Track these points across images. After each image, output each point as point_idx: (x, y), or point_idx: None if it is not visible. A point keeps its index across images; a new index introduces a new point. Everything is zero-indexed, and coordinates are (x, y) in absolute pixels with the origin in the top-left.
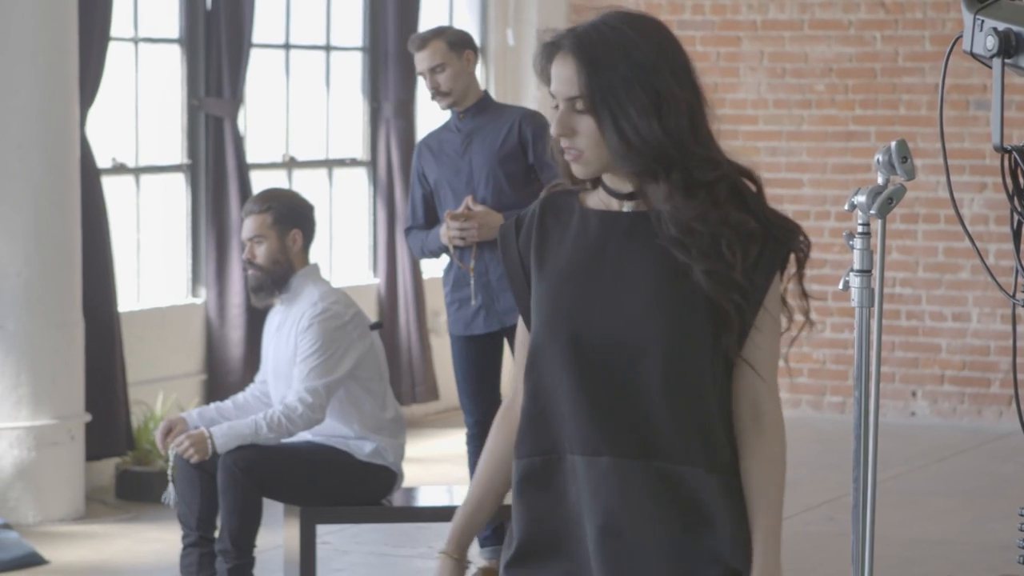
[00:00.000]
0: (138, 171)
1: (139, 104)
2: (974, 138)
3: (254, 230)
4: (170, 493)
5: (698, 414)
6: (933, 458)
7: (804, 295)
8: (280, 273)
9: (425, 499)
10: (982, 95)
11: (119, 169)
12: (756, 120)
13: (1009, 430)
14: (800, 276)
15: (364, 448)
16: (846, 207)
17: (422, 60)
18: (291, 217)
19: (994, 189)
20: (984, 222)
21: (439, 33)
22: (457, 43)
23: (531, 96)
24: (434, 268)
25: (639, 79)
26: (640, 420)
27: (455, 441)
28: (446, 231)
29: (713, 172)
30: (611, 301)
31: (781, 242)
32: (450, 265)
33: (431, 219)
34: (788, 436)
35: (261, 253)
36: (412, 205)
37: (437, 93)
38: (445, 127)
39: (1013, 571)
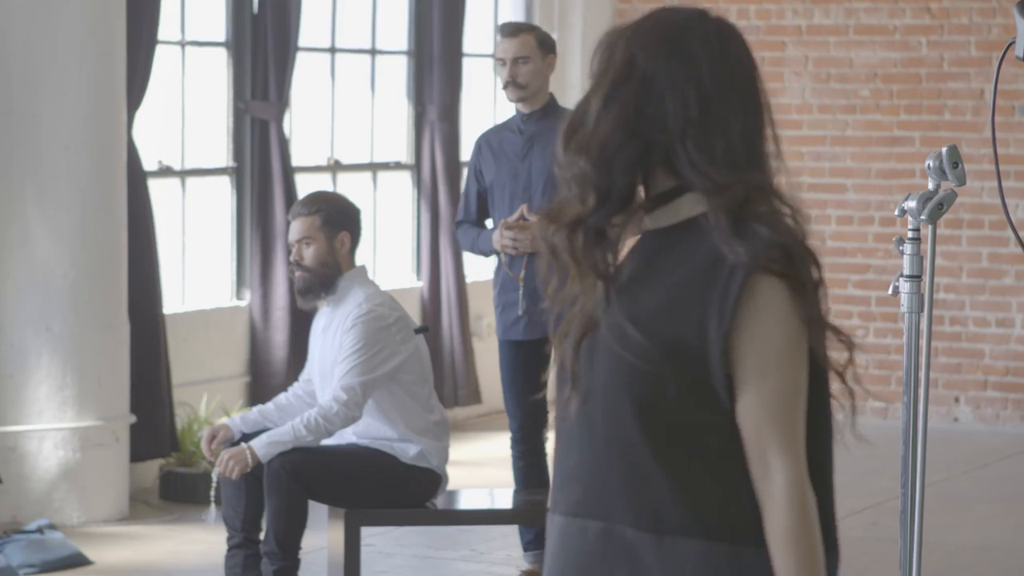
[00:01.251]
0: (184, 174)
1: (185, 107)
2: (1020, 144)
3: (302, 232)
4: (211, 512)
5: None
6: (976, 464)
7: (829, 328)
8: (328, 275)
9: (467, 502)
10: None
11: (165, 172)
12: (800, 125)
13: None
14: (813, 303)
15: (409, 451)
16: (896, 212)
17: (509, 48)
18: (339, 220)
19: None
20: None
21: (532, 28)
22: (546, 43)
23: (578, 96)
24: (477, 272)
25: None
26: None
27: (497, 444)
28: (499, 237)
29: None
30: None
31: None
32: (499, 268)
33: (483, 215)
34: None
35: (309, 255)
36: (466, 199)
37: (512, 83)
38: (507, 126)
39: None
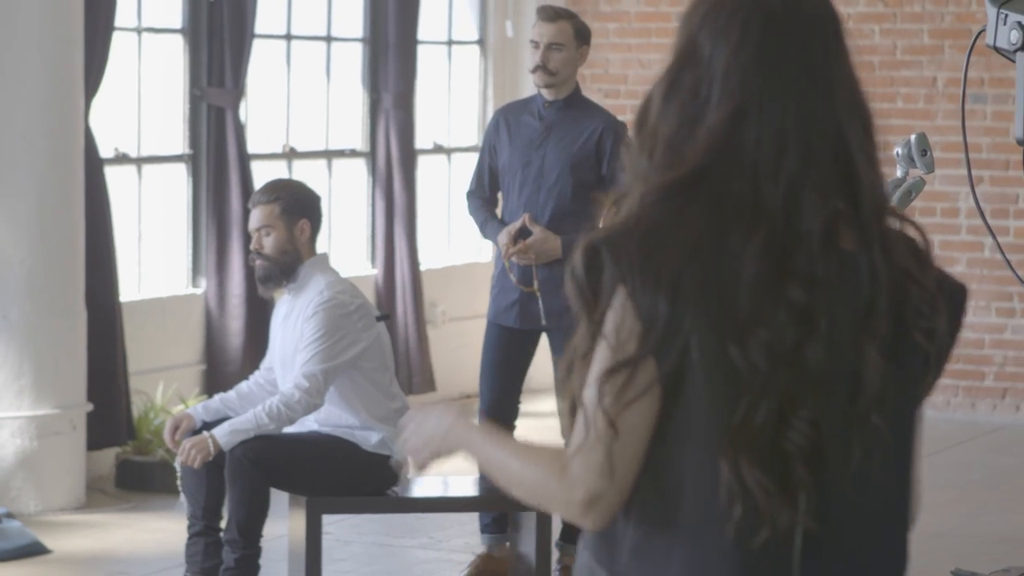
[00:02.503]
0: (140, 161)
1: (141, 94)
2: (972, 132)
3: (262, 220)
4: (183, 503)
5: None
6: (928, 451)
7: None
8: (288, 263)
9: (429, 490)
10: (979, 89)
11: (121, 159)
12: None
13: (1003, 423)
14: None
15: (370, 439)
16: None
17: (546, 32)
18: (299, 207)
19: (990, 183)
20: (976, 216)
21: (571, 16)
22: (582, 34)
23: (529, 88)
24: (432, 259)
25: None
26: None
27: None
28: (503, 242)
29: None
30: None
31: None
32: (499, 254)
33: (495, 189)
34: None
35: (269, 243)
36: (478, 172)
37: (543, 68)
38: (527, 108)
39: (1016, 563)
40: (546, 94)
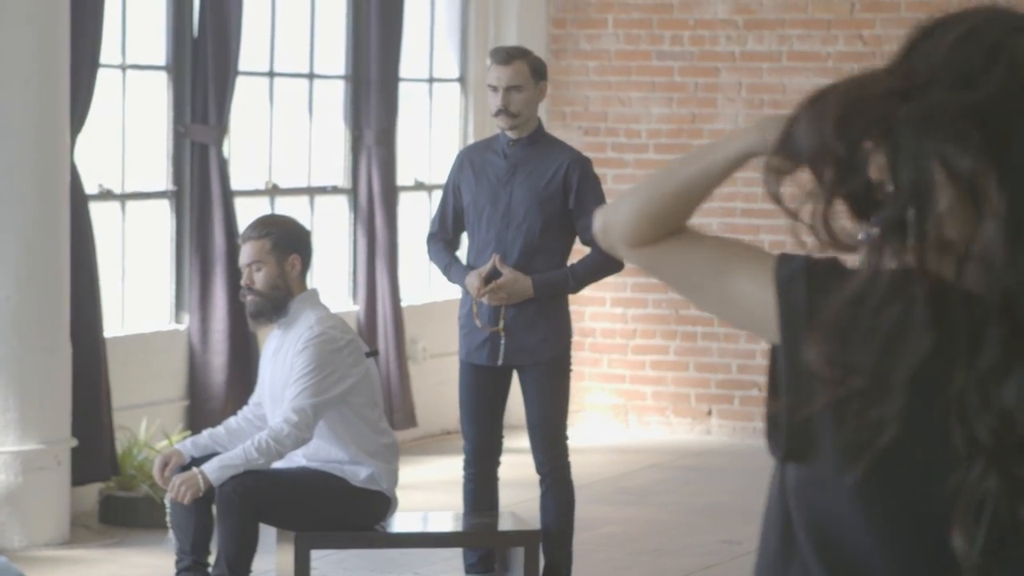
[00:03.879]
0: (124, 197)
1: (126, 130)
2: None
3: (253, 255)
4: (172, 539)
5: None
6: None
7: None
8: (279, 298)
9: (416, 525)
10: None
11: (105, 195)
12: None
13: None
14: None
15: (359, 474)
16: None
17: (503, 76)
18: (290, 242)
19: None
20: None
21: (525, 54)
22: (539, 71)
23: None
24: (413, 296)
25: None
26: None
27: (434, 468)
28: (473, 284)
29: None
30: None
31: None
32: (466, 294)
33: (459, 230)
34: (762, 465)
35: (260, 278)
36: (441, 214)
37: (505, 112)
38: (491, 147)
39: None
40: (510, 133)
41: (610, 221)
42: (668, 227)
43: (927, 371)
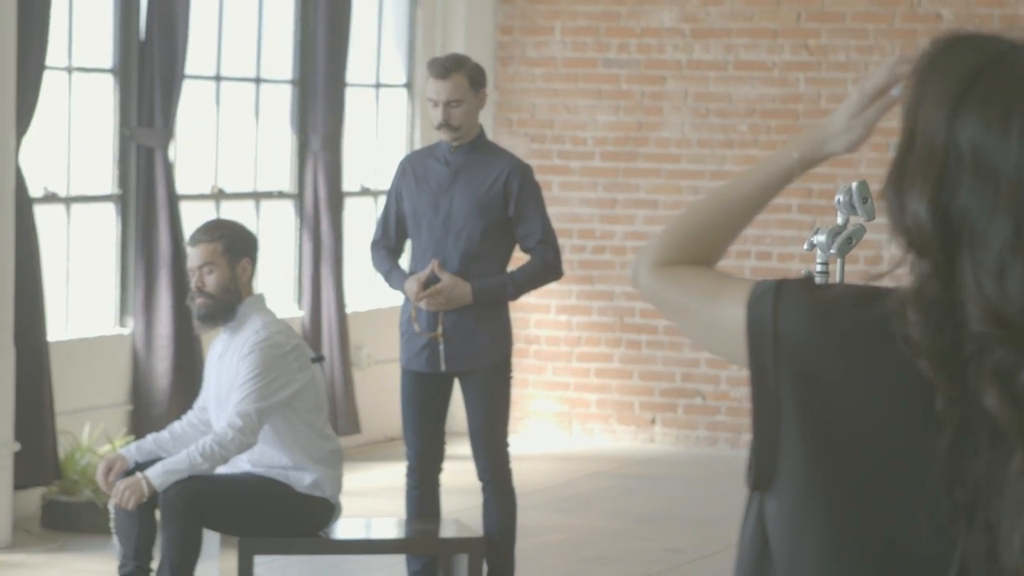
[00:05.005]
0: (69, 200)
1: (71, 133)
2: None
3: (204, 258)
4: (116, 545)
5: None
6: None
7: None
8: (229, 301)
9: (360, 532)
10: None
11: (50, 198)
12: (679, 159)
13: None
14: None
15: (304, 480)
16: (805, 247)
17: (441, 90)
18: (241, 247)
19: None
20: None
21: (461, 65)
22: (477, 79)
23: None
24: (358, 302)
25: None
26: None
27: (378, 474)
28: (412, 290)
29: None
30: None
31: None
32: (407, 301)
33: (401, 238)
34: (705, 474)
35: (212, 281)
36: (384, 220)
37: (446, 126)
38: (433, 154)
39: None
40: (452, 141)
41: (646, 251)
42: (708, 252)
43: None
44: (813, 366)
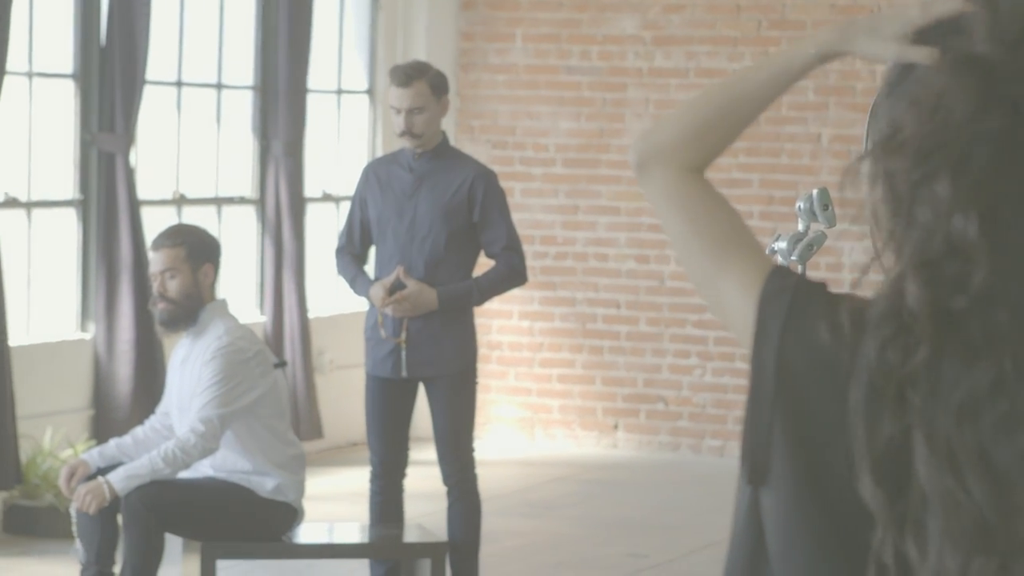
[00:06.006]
0: (30, 205)
1: (32, 138)
2: (856, 187)
3: (167, 263)
4: (79, 549)
5: None
6: None
7: None
8: (192, 307)
9: (323, 536)
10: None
11: (11, 203)
12: None
13: None
14: None
15: (266, 484)
16: (767, 252)
17: (403, 98)
18: (204, 252)
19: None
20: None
21: (423, 72)
22: (439, 87)
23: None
24: (320, 307)
25: None
26: None
27: (340, 479)
28: (377, 296)
29: None
30: None
31: None
32: (372, 308)
33: (366, 244)
34: (668, 479)
35: (174, 287)
36: (348, 227)
37: (408, 133)
38: (396, 161)
39: None
40: (415, 148)
41: (652, 133)
42: (721, 145)
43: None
44: (811, 389)
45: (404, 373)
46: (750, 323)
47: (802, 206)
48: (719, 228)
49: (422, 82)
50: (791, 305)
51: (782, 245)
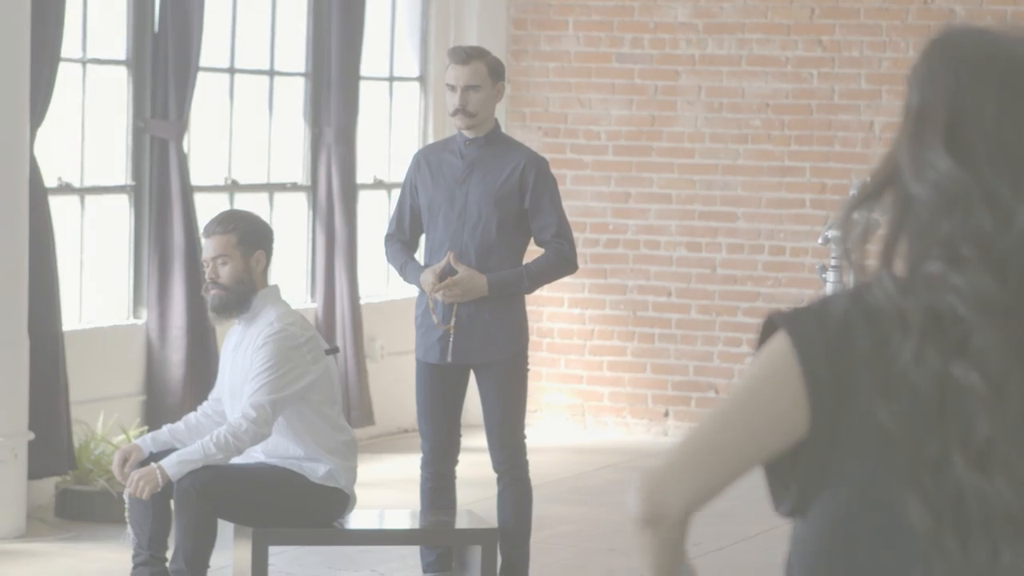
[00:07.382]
0: (83, 191)
1: (85, 124)
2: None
3: (219, 249)
4: (130, 534)
5: None
6: None
7: None
8: (244, 293)
9: (375, 522)
10: None
11: (65, 189)
12: (692, 153)
13: None
14: None
15: (318, 470)
16: (819, 241)
17: (461, 75)
18: (255, 238)
19: None
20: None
21: (483, 54)
22: (496, 71)
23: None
24: (371, 294)
25: None
26: None
27: (391, 465)
28: (428, 282)
29: None
30: None
31: None
32: (422, 293)
33: (416, 231)
34: None
35: (226, 273)
36: (398, 214)
37: (462, 111)
38: (448, 147)
39: None
40: (467, 132)
41: (664, 490)
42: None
43: None
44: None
45: (449, 359)
46: (803, 402)
47: (856, 193)
48: (735, 455)
49: (480, 62)
50: (827, 351)
51: (836, 233)
